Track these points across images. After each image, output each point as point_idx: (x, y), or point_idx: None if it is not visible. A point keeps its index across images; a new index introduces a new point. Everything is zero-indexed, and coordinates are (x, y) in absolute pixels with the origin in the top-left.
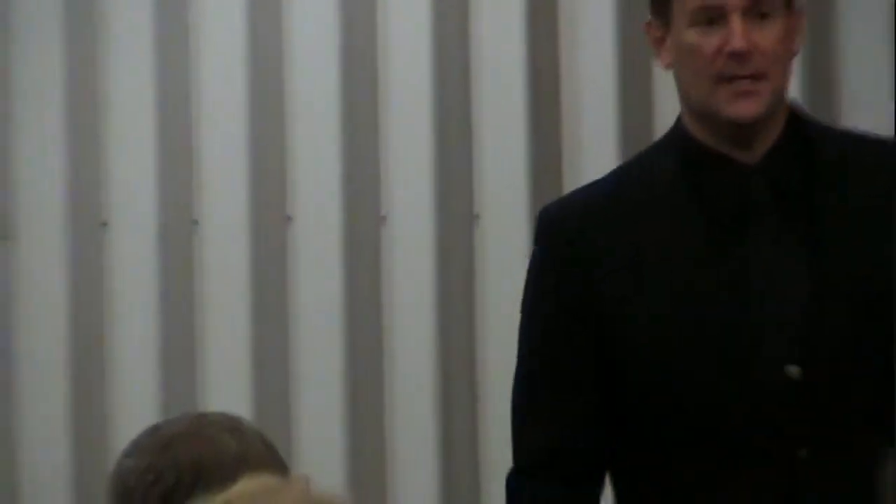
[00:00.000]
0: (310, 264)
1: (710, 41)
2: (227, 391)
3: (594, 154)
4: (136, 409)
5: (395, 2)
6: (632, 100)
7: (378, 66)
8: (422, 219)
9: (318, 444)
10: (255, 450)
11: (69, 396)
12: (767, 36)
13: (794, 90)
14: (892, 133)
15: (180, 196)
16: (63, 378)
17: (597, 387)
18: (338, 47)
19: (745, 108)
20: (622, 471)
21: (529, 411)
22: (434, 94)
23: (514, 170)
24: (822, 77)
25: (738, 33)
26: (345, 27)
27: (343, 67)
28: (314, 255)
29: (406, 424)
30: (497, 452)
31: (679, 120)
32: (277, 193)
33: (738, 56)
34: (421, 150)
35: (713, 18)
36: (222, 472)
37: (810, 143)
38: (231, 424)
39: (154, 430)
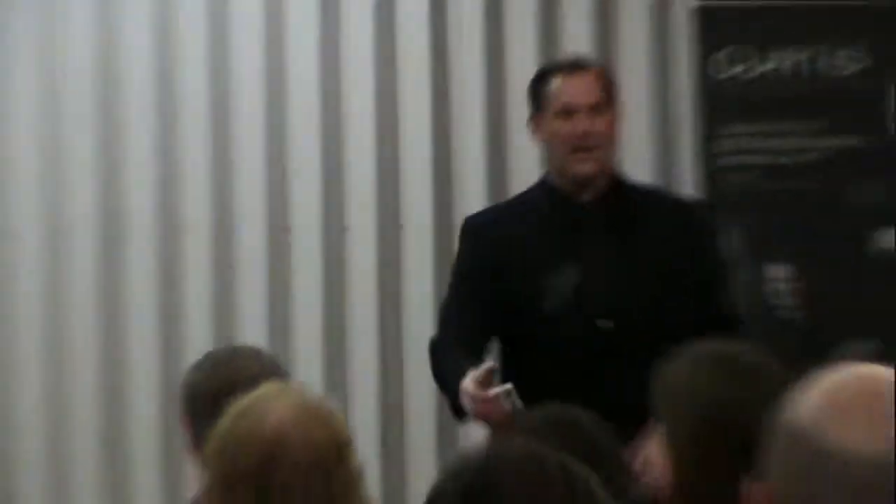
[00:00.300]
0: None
1: (567, 127)
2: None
3: (471, 191)
4: (197, 347)
5: (356, 97)
6: (496, 156)
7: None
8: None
9: (306, 368)
10: (270, 370)
11: (159, 341)
12: (601, 123)
13: None
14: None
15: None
16: (156, 333)
17: (486, 315)
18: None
19: (587, 169)
20: (510, 363)
21: (447, 313)
22: (378, 153)
23: (425, 203)
24: None
25: (583, 123)
26: (325, 96)
27: (324, 133)
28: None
29: (355, 350)
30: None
31: (546, 175)
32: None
33: (584, 136)
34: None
35: (569, 113)
36: (249, 384)
37: (625, 191)
38: (255, 353)
39: (208, 356)
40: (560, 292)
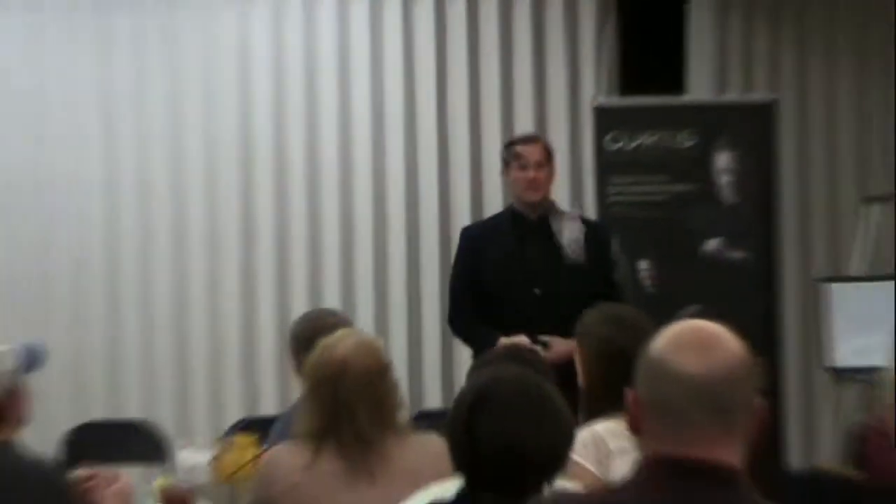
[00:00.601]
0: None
1: (523, 175)
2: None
3: (461, 213)
4: (299, 309)
5: (395, 164)
6: (477, 193)
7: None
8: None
9: (364, 322)
10: (342, 322)
11: (277, 306)
12: (543, 173)
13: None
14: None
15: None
16: (274, 302)
17: (473, 289)
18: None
19: (534, 198)
20: (485, 316)
21: (452, 295)
22: (406, 193)
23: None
24: None
25: (532, 173)
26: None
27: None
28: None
29: (393, 311)
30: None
31: (510, 203)
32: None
33: (533, 180)
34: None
35: (524, 166)
36: (329, 331)
37: (557, 212)
38: (332, 312)
39: (305, 315)
40: (514, 272)
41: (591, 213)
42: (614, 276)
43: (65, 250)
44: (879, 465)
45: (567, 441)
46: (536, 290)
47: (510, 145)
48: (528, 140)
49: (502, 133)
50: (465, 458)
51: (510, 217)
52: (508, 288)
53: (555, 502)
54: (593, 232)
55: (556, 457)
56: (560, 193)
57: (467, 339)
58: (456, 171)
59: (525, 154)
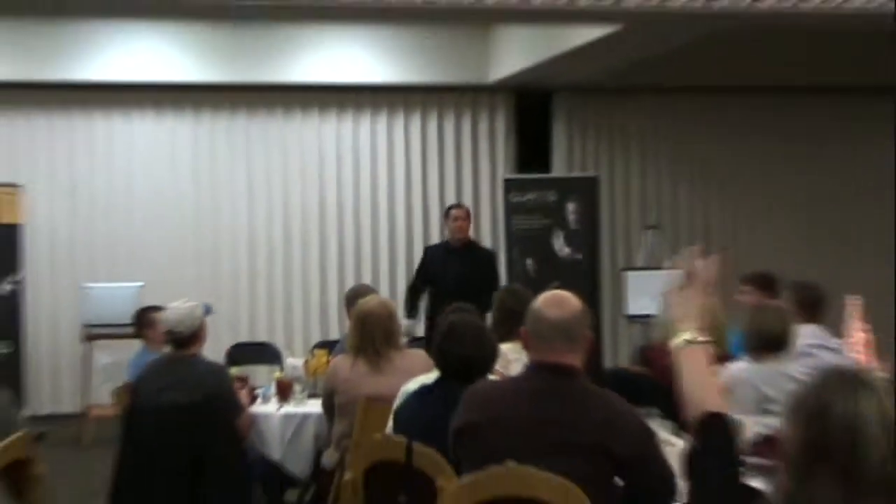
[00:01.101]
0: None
1: (453, 224)
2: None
3: (433, 238)
4: (348, 285)
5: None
6: (443, 231)
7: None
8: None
9: (383, 292)
10: (371, 291)
11: (339, 285)
12: (463, 224)
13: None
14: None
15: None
16: (339, 283)
17: (424, 281)
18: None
19: (458, 237)
20: (430, 296)
21: (415, 279)
22: (406, 238)
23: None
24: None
25: (458, 224)
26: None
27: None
28: None
29: (398, 288)
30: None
31: (447, 239)
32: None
33: (458, 228)
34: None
35: (455, 219)
36: (363, 295)
37: (471, 245)
38: (368, 286)
39: (352, 288)
40: (443, 272)
41: (503, 238)
42: (495, 279)
43: (223, 257)
44: (656, 366)
45: (493, 355)
46: (452, 281)
47: (448, 210)
48: (456, 206)
49: (455, 197)
50: (441, 363)
51: (445, 245)
52: (439, 279)
53: (482, 385)
54: (488, 256)
55: (487, 363)
56: (485, 226)
57: (411, 299)
58: (431, 218)
59: (454, 213)
